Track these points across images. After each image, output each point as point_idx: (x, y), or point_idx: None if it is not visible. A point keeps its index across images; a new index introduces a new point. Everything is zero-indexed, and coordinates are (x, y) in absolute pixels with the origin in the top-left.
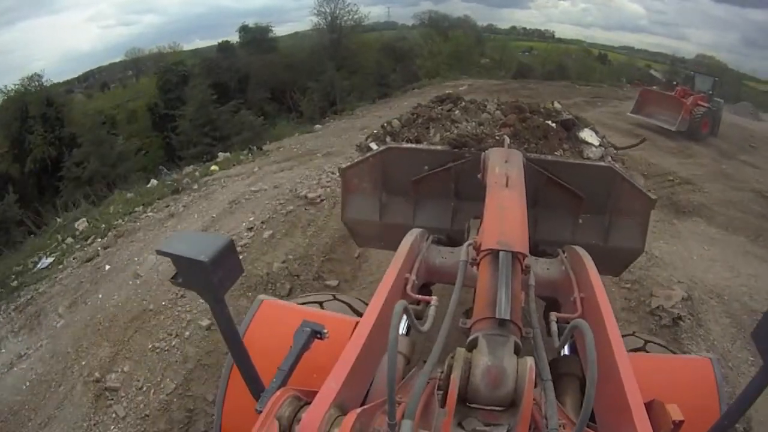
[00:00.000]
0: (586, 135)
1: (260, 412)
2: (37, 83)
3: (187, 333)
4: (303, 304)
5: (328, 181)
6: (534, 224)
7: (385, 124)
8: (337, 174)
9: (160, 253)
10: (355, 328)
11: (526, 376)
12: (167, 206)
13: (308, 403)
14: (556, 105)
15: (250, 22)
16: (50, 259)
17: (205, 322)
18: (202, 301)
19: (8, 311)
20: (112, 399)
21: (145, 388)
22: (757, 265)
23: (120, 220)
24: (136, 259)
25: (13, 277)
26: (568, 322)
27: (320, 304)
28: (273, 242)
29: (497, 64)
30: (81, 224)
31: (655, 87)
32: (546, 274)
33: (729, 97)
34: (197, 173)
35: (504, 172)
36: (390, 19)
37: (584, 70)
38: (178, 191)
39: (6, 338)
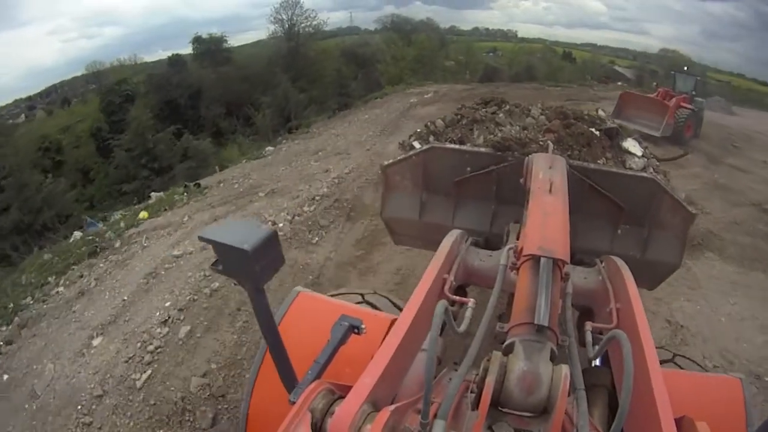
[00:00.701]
0: (629, 145)
1: (294, 403)
2: None
3: None
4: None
5: None
6: (573, 232)
7: (429, 123)
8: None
9: (202, 239)
10: (390, 325)
11: (561, 385)
12: (81, 276)
13: (341, 397)
14: (601, 113)
15: (211, 32)
16: None
17: None
18: None
19: None
20: None
21: None
22: None
23: (29, 298)
24: (35, 367)
25: None
26: (602, 333)
27: (362, 294)
28: (192, 343)
29: (462, 66)
30: None
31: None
32: (583, 282)
33: (702, 93)
34: (122, 224)
35: (548, 178)
36: (353, 24)
37: (551, 70)
38: (96, 253)
39: None
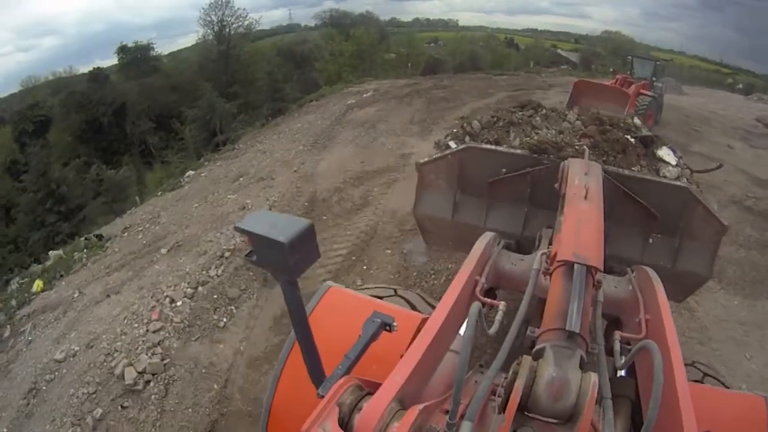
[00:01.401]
0: (664, 153)
1: (322, 396)
2: None
3: None
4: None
5: (159, 329)
6: (605, 239)
7: (465, 125)
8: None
9: (237, 229)
10: (420, 324)
11: (589, 392)
12: None
13: (369, 393)
14: (636, 120)
15: (150, 37)
16: None
17: None
18: None
19: None
20: None
21: None
22: None
23: None
24: None
25: None
26: (629, 343)
27: (394, 289)
28: None
29: (404, 59)
30: None
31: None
32: (613, 291)
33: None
34: (14, 301)
35: (584, 184)
36: (293, 22)
37: (497, 58)
38: None
39: None
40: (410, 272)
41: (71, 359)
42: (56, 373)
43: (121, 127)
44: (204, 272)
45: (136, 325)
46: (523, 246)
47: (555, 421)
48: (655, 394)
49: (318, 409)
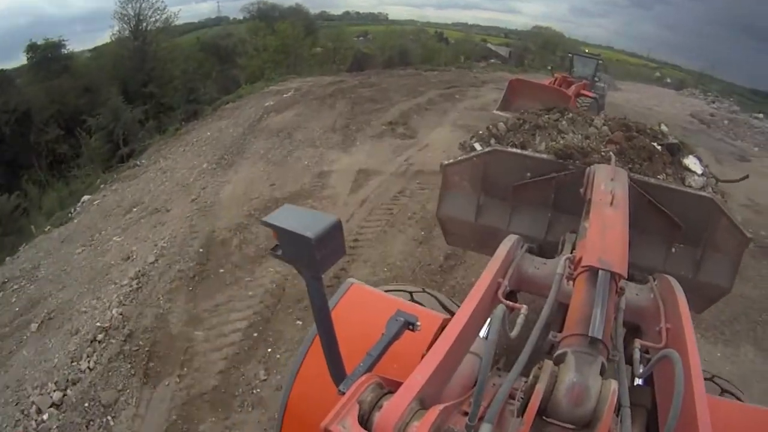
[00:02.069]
0: (690, 162)
1: (343, 393)
2: None
3: None
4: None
5: None
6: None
7: (491, 127)
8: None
9: (264, 224)
10: (441, 324)
11: (608, 399)
12: None
13: (390, 392)
14: (663, 127)
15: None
16: None
17: None
18: None
19: None
20: None
21: None
22: None
23: None
24: None
25: None
26: (648, 352)
27: (411, 294)
28: None
29: (331, 53)
30: None
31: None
32: (634, 299)
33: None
34: None
35: (610, 190)
36: (222, 14)
37: (427, 53)
38: None
39: None
40: None
41: None
42: None
43: (26, 137)
44: (74, 364)
45: None
46: (545, 250)
47: (572, 426)
48: (675, 405)
49: (338, 406)
